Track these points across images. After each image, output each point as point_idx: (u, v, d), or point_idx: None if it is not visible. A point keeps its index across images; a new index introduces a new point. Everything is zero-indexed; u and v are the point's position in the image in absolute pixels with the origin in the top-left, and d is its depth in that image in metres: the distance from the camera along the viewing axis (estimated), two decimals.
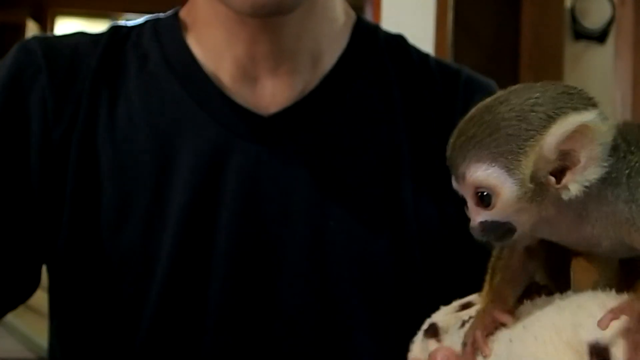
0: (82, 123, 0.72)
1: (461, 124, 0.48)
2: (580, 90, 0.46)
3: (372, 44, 0.80)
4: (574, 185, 0.43)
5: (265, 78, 0.74)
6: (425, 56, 0.83)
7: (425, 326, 0.56)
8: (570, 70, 3.65)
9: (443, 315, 0.56)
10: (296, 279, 0.70)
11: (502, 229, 0.45)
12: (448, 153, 0.47)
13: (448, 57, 2.77)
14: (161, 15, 0.80)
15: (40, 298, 0.80)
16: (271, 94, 0.74)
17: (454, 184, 0.47)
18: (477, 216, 0.46)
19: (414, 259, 0.72)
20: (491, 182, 0.43)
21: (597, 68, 3.63)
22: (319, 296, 0.70)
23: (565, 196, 0.44)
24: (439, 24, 2.79)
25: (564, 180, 0.44)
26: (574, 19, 3.69)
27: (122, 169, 0.71)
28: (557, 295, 0.48)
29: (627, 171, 0.44)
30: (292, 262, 0.71)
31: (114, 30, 0.78)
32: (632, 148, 0.45)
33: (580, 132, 0.42)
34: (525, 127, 0.43)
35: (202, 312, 0.69)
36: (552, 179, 0.44)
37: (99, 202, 0.70)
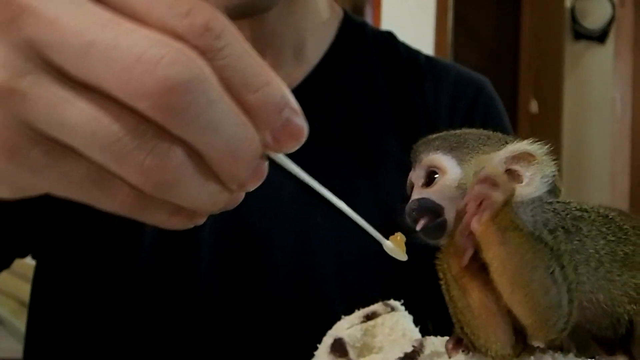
0: None
1: (430, 135, 0.53)
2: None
3: (359, 40, 0.80)
4: None
5: None
6: (415, 53, 0.83)
7: (329, 341, 0.53)
8: (570, 70, 3.65)
9: (347, 328, 0.53)
10: (282, 276, 0.70)
11: (435, 212, 0.47)
12: (415, 146, 0.52)
13: (448, 57, 2.78)
14: None
15: None
16: None
17: (410, 176, 0.51)
18: (417, 194, 0.49)
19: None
20: (442, 163, 0.49)
21: (597, 68, 3.63)
22: (304, 293, 0.70)
23: None
24: (439, 24, 2.80)
25: None
26: (574, 19, 3.70)
27: None
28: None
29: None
30: (278, 259, 0.70)
31: None
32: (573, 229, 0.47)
33: (527, 155, 0.48)
34: (484, 142, 0.50)
35: (189, 312, 0.69)
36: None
37: None
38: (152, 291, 0.69)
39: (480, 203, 0.43)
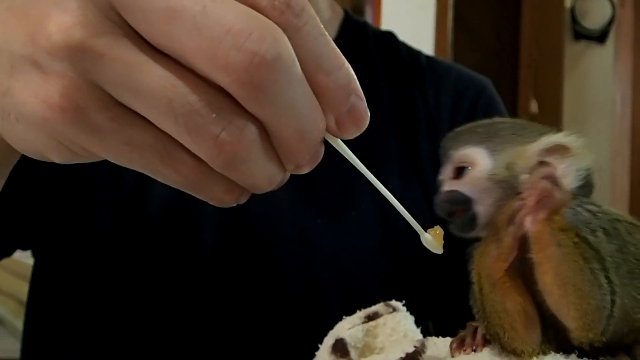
0: None
1: (459, 127, 0.52)
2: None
3: (360, 40, 0.80)
4: None
5: None
6: (417, 53, 0.83)
7: (330, 341, 0.52)
8: (570, 70, 3.65)
9: (348, 329, 0.53)
10: (282, 277, 0.70)
11: (465, 204, 0.47)
12: (443, 142, 0.50)
13: (448, 57, 2.78)
14: None
15: None
16: None
17: (441, 171, 0.50)
18: (447, 186, 0.48)
19: (404, 256, 0.72)
20: (472, 156, 0.48)
21: (597, 68, 3.63)
22: (304, 294, 0.70)
23: None
24: (439, 24, 2.79)
25: None
26: (574, 19, 3.69)
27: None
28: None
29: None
30: (278, 261, 0.70)
31: None
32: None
33: (562, 147, 0.47)
34: (518, 133, 0.49)
35: (189, 314, 0.68)
36: (526, 175, 0.46)
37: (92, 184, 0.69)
38: (151, 292, 0.69)
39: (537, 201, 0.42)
